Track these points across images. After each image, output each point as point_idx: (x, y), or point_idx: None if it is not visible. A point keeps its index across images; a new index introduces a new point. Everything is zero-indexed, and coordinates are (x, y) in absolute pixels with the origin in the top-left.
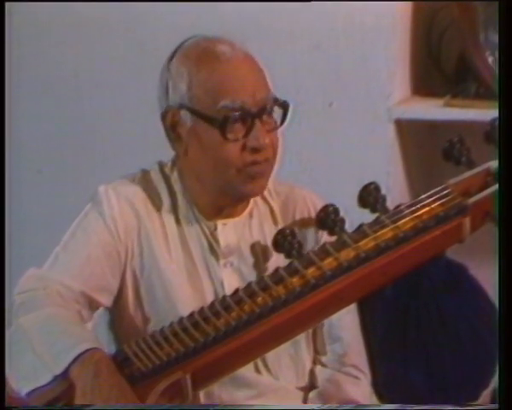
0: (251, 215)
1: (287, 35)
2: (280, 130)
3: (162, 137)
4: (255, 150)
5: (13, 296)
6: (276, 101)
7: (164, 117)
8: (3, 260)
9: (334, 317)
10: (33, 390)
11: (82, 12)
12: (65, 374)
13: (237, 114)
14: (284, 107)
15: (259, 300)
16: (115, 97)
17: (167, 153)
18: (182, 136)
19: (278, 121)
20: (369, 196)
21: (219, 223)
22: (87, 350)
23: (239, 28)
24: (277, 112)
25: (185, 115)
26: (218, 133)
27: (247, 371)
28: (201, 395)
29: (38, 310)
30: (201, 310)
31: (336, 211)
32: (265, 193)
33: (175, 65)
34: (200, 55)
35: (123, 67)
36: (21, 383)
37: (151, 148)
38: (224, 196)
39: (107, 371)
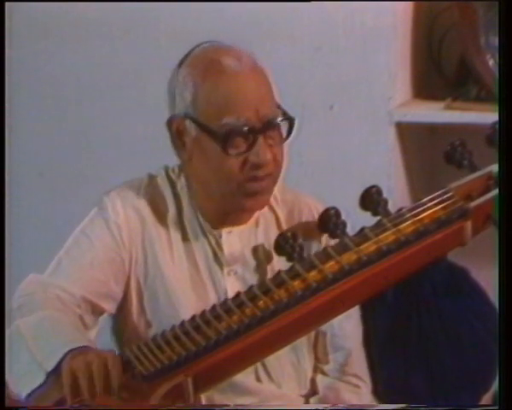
0: (257, 224)
1: (287, 38)
2: (285, 143)
3: (163, 141)
4: (256, 166)
5: (12, 300)
6: (283, 115)
7: (169, 125)
8: (3, 263)
9: (337, 326)
10: (31, 393)
11: (82, 12)
12: (57, 370)
13: (240, 130)
14: (290, 121)
15: (261, 303)
16: (116, 99)
17: (169, 157)
18: (186, 144)
19: (284, 135)
20: (371, 199)
21: (224, 231)
22: (79, 347)
23: (239, 30)
24: (284, 125)
25: (190, 125)
26: (219, 147)
27: (249, 379)
28: (203, 401)
29: (35, 313)
30: (203, 313)
31: (338, 214)
32: (272, 201)
33: (182, 73)
34: (207, 66)
35: (124, 68)
36: (19, 386)
37: (152, 151)
38: (227, 205)
39: (99, 361)
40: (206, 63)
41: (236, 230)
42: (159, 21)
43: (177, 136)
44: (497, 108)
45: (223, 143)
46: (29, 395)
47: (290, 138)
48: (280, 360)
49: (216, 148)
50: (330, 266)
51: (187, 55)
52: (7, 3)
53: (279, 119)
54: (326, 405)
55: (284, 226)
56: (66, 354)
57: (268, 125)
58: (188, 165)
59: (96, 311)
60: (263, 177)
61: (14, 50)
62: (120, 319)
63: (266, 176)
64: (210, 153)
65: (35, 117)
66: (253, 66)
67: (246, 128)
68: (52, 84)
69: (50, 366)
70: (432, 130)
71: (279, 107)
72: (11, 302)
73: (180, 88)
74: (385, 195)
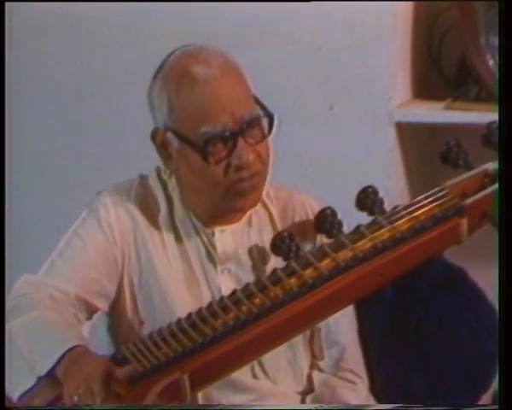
0: (250, 222)
1: (287, 37)
2: (272, 137)
3: None
4: (239, 168)
5: (6, 301)
6: (262, 111)
7: (153, 137)
8: (3, 263)
9: (332, 321)
10: (23, 395)
11: (82, 12)
12: (50, 375)
13: (217, 137)
14: (269, 118)
15: (257, 301)
16: (116, 100)
17: None
18: (172, 155)
19: (266, 131)
20: (367, 199)
21: (217, 230)
22: (70, 349)
23: (239, 30)
24: (264, 122)
25: (171, 136)
26: (200, 157)
27: (245, 376)
28: (200, 399)
29: (26, 313)
30: (199, 311)
31: (334, 213)
32: (265, 199)
33: (157, 86)
34: (179, 76)
35: (123, 68)
36: (11, 387)
37: (152, 151)
38: (219, 207)
39: (90, 355)
40: (178, 74)
41: (229, 228)
42: (159, 21)
43: (162, 148)
44: (497, 108)
45: (202, 153)
46: (21, 396)
47: (290, 140)
48: (276, 356)
49: (198, 157)
50: (326, 264)
51: (160, 67)
52: (7, 3)
53: (259, 116)
54: (322, 404)
55: (278, 223)
56: (59, 360)
57: (246, 126)
58: (176, 174)
59: (90, 309)
60: (249, 177)
61: (14, 50)
62: (115, 317)
63: (253, 175)
64: (193, 163)
65: (35, 117)
66: (225, 67)
67: (224, 134)
68: (52, 84)
69: (43, 371)
70: (432, 130)
71: (258, 102)
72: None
73: (157, 101)
74: (384, 195)
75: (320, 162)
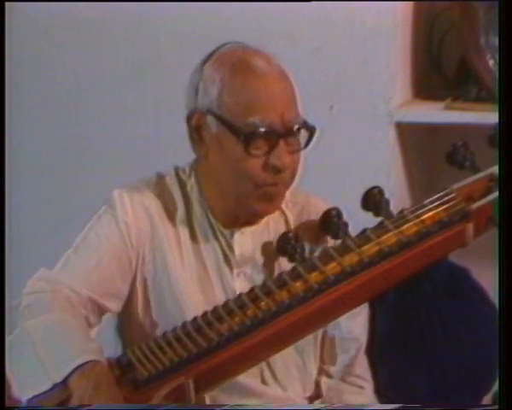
0: (267, 225)
1: (287, 38)
2: (302, 152)
3: (162, 141)
4: (275, 170)
5: (20, 296)
6: (304, 123)
7: (189, 118)
8: (4, 262)
9: (345, 328)
10: (33, 398)
11: (82, 12)
12: (64, 383)
13: (263, 131)
14: (310, 130)
15: (263, 304)
16: (116, 99)
17: (168, 156)
18: (205, 140)
19: (302, 144)
20: (373, 200)
21: (237, 231)
22: (88, 362)
23: (239, 30)
24: (303, 134)
25: (211, 121)
26: (241, 146)
27: (254, 381)
28: (207, 402)
29: (44, 314)
30: (205, 315)
31: (339, 214)
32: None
33: (209, 68)
34: (236, 64)
35: (124, 68)
36: (22, 388)
37: (152, 151)
38: (239, 206)
39: (107, 384)
40: (234, 61)
41: (249, 230)
42: (159, 21)
43: (196, 130)
44: (497, 108)
45: (245, 142)
46: (30, 399)
47: None
48: (286, 361)
49: (237, 146)
50: (332, 268)
51: (214, 52)
52: (7, 3)
53: (302, 126)
54: (327, 404)
55: (293, 228)
56: (75, 369)
57: (290, 131)
58: (203, 161)
59: (101, 311)
60: (279, 182)
61: (14, 50)
62: (126, 318)
63: (282, 182)
64: (230, 150)
65: (35, 117)
66: (281, 70)
67: (270, 130)
68: (52, 85)
69: (58, 377)
70: (432, 130)
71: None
72: (20, 299)
73: (205, 83)
74: (390, 196)
75: (320, 162)
